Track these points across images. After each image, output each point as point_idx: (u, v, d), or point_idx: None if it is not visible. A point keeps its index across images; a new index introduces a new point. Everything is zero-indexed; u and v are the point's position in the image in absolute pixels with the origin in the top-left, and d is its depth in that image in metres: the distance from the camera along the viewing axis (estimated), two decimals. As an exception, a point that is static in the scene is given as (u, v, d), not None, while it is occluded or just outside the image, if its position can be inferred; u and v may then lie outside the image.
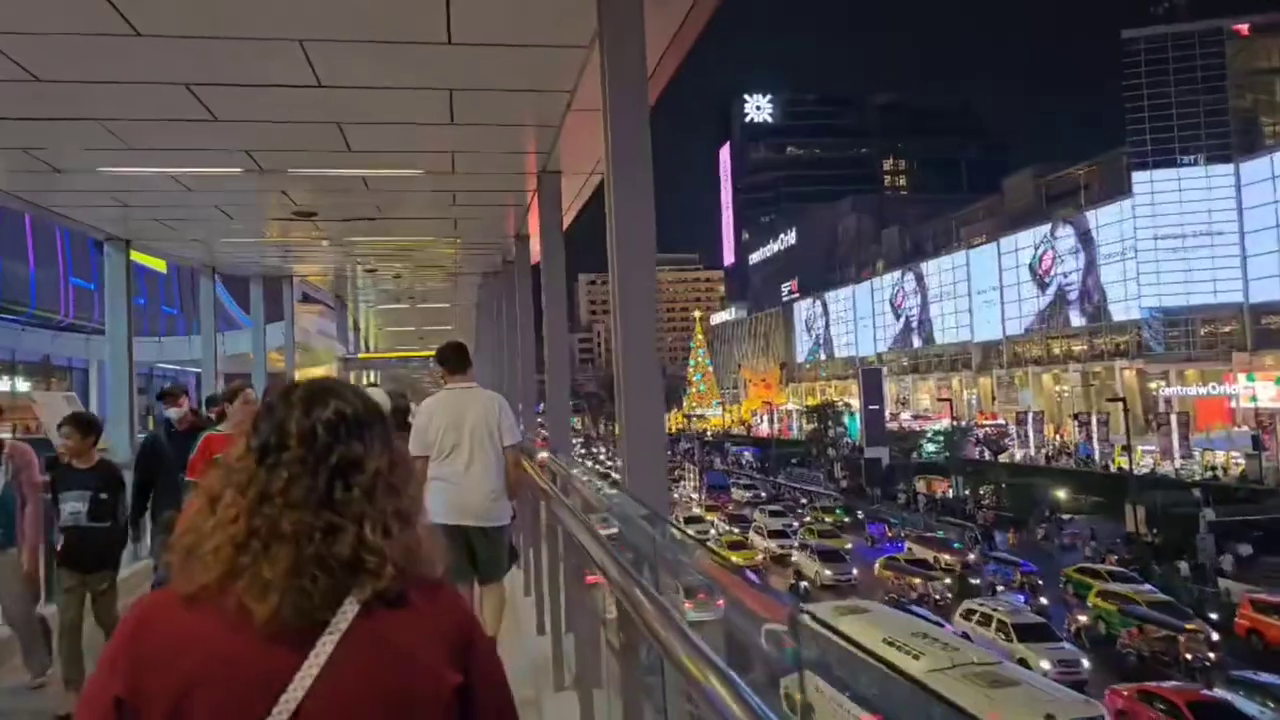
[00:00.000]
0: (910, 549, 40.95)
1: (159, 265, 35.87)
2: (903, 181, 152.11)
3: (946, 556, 38.52)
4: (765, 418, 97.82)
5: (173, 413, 5.92)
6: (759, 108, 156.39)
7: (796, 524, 47.97)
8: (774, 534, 44.16)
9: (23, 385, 30.47)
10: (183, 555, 1.20)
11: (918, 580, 33.75)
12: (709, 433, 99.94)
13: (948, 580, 34.19)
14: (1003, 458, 58.56)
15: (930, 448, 62.08)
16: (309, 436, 1.22)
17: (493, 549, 4.88)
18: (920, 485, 57.15)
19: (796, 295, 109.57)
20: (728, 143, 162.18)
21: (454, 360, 5.05)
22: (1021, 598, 31.06)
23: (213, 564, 1.17)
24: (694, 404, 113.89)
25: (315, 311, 28.69)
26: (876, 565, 37.44)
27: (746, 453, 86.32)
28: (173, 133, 6.25)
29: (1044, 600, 31.29)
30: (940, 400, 72.17)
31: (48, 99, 5.55)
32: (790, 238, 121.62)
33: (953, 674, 16.81)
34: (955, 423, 65.81)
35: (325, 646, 1.15)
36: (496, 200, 8.88)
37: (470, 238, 11.17)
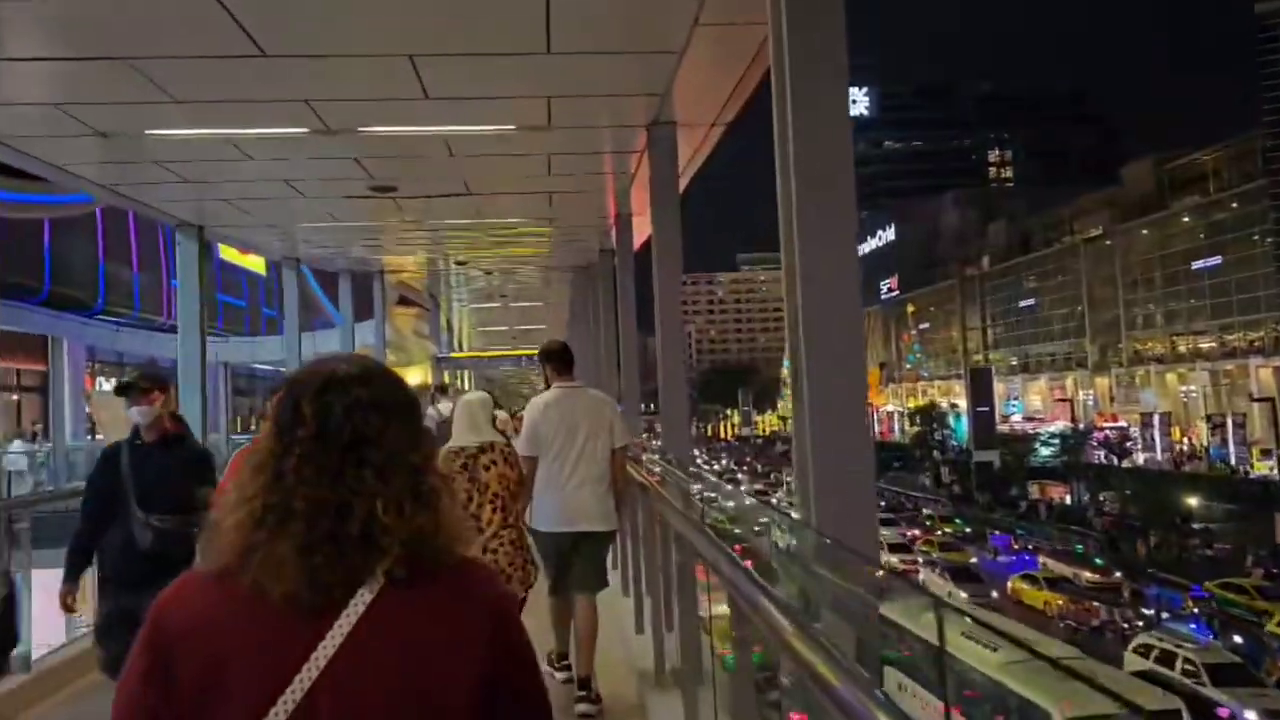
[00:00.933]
0: (1045, 564, 37.21)
1: (258, 267, 36.55)
2: (1008, 173, 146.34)
3: (1088, 574, 34.93)
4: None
5: (138, 414, 3.92)
6: (854, 101, 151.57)
7: (912, 532, 44.86)
8: (894, 548, 38.48)
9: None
10: (211, 533, 1.22)
11: (1098, 607, 29.52)
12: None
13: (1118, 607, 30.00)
14: (1125, 462, 54.47)
15: (1045, 451, 58.38)
16: (323, 415, 1.21)
17: (598, 556, 4.74)
18: (1034, 490, 53.70)
19: (896, 293, 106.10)
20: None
21: (559, 359, 4.90)
22: (1198, 628, 26.95)
23: (232, 541, 1.18)
24: (790, 405, 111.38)
25: (412, 314, 28.68)
26: (1010, 583, 34.02)
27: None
28: (219, 77, 5.25)
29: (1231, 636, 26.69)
30: (1059, 401, 67.59)
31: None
32: (889, 234, 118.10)
33: (1028, 666, 16.55)
34: (1073, 425, 61.72)
35: (341, 627, 1.15)
36: (596, 166, 7.66)
37: (566, 219, 10.03)
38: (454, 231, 10.68)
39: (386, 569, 1.17)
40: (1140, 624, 27.66)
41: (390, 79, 5.34)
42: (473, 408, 4.10)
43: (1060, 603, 30.59)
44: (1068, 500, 51.25)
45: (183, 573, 1.25)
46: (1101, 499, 49.71)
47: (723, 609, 2.60)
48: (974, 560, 37.76)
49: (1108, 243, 70.50)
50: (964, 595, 30.93)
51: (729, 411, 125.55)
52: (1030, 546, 41.81)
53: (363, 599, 1.16)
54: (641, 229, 9.61)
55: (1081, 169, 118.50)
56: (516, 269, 14.25)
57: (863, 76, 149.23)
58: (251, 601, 1.15)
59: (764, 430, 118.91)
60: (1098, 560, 37.01)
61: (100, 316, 25.96)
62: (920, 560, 37.38)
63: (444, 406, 13.38)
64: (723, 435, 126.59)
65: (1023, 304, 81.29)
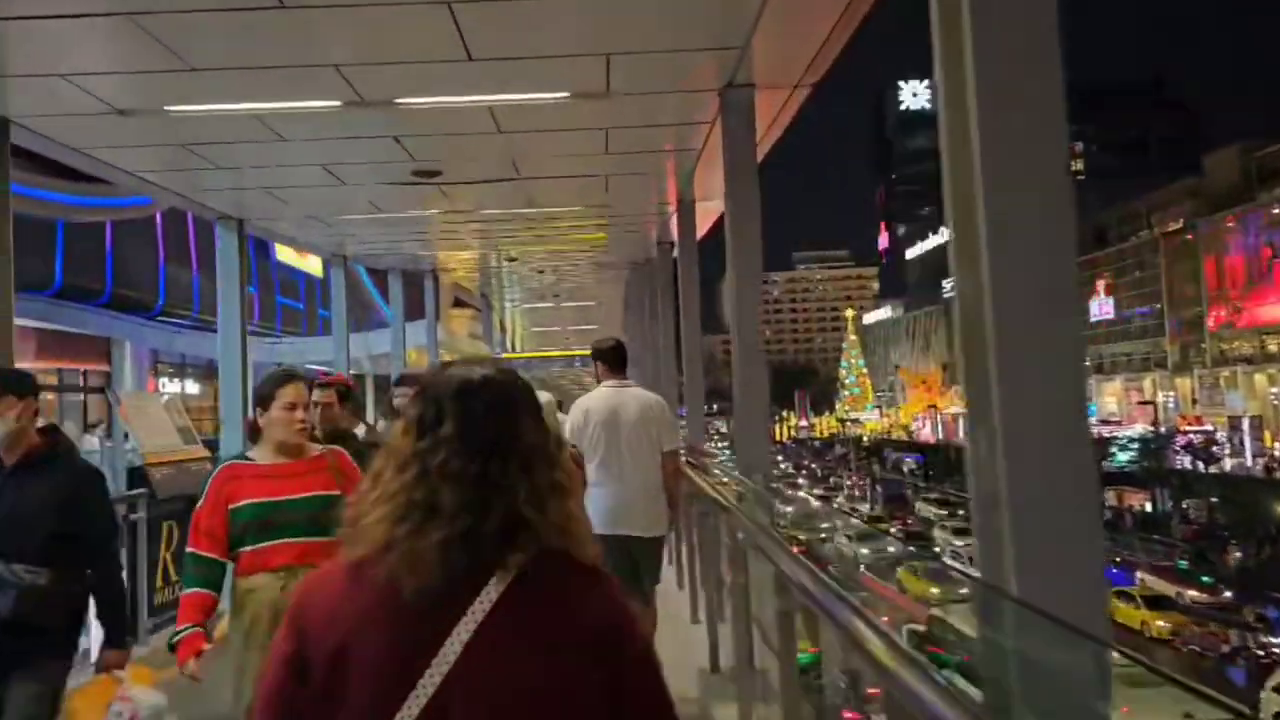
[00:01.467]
0: (1143, 580, 34.39)
1: (315, 270, 36.94)
2: (1080, 166, 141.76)
3: (1193, 592, 32.00)
4: (928, 422, 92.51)
5: None
6: (915, 94, 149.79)
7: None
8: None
9: (193, 388, 31.10)
10: (350, 526, 1.26)
11: (1228, 631, 26.58)
12: (865, 437, 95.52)
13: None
14: (1212, 468, 51.66)
15: (1123, 455, 55.82)
16: (465, 413, 1.26)
17: (652, 558, 4.59)
18: (1111, 497, 51.30)
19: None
20: (882, 133, 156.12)
21: (611, 356, 4.69)
22: None
23: (373, 536, 1.21)
24: (848, 407, 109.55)
25: (467, 315, 28.67)
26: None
27: (908, 459, 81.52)
28: (234, 36, 4.60)
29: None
30: (1140, 404, 64.26)
31: None
32: (951, 230, 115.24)
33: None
34: (1154, 428, 58.89)
35: (469, 624, 1.17)
36: (658, 141, 6.86)
37: (623, 206, 9.28)
38: (504, 223, 10.04)
39: (518, 564, 1.20)
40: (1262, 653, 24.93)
41: (428, 35, 4.64)
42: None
43: (1172, 625, 27.90)
44: (1149, 508, 48.70)
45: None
46: (1185, 506, 47.18)
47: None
48: None
49: (1189, 236, 67.44)
50: None
51: (785, 413, 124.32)
52: (1119, 559, 38.60)
53: (489, 595, 1.19)
54: (706, 216, 8.87)
55: (1158, 160, 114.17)
56: (570, 266, 13.71)
57: (923, 69, 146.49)
58: (383, 594, 1.18)
59: (822, 432, 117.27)
60: (1204, 578, 33.60)
61: (160, 318, 26.23)
62: None
63: None
64: (779, 437, 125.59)
65: (1096, 301, 78.35)
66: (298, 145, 6.50)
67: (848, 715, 2.42)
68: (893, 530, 44.32)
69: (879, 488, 61.09)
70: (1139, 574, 35.44)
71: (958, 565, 30.69)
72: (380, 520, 1.20)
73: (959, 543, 41.11)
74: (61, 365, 23.66)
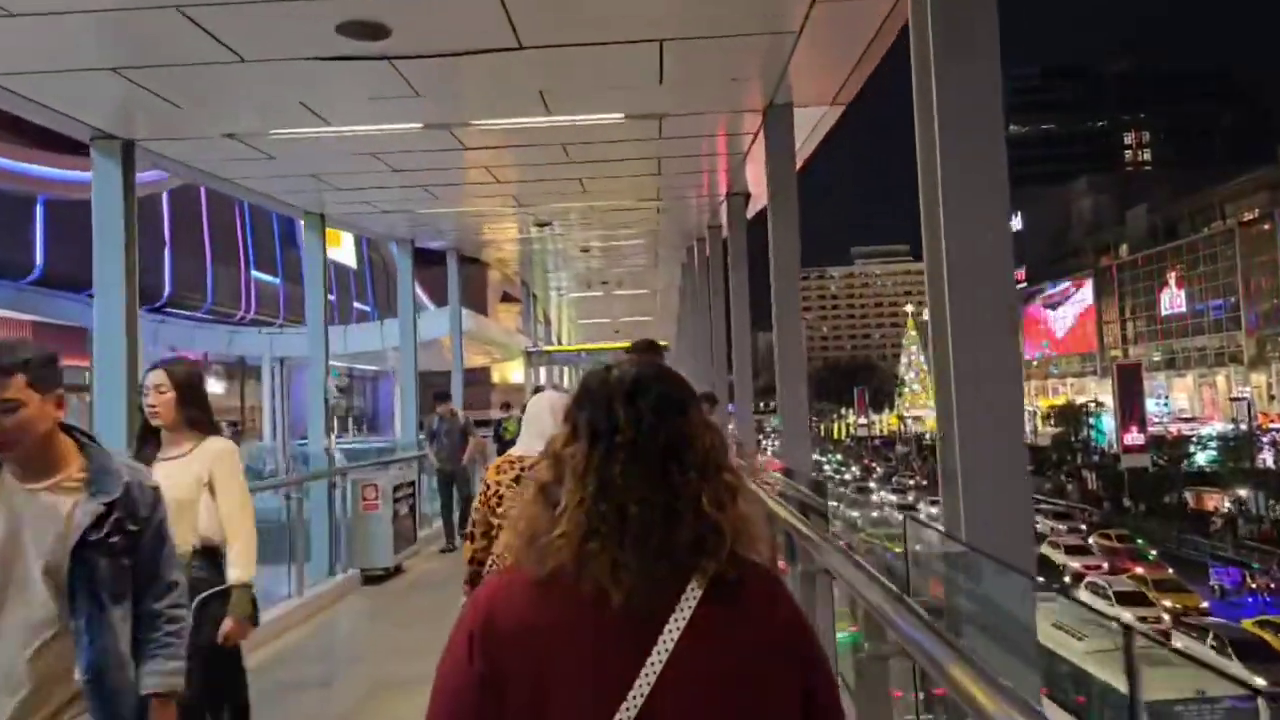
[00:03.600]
0: None
1: (347, 259, 35.48)
2: (1146, 156, 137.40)
3: None
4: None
5: None
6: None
7: (1101, 562, 37.52)
8: (1124, 598, 28.82)
9: (216, 386, 29.79)
10: (525, 542, 1.23)
11: None
12: (928, 435, 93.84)
13: None
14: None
15: (1203, 455, 53.77)
16: (637, 419, 1.23)
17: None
18: (1193, 499, 49.25)
19: (1024, 285, 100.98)
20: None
21: (645, 356, 4.40)
22: None
23: (562, 550, 1.18)
24: (908, 404, 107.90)
25: (515, 310, 28.04)
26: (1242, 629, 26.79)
27: (973, 458, 79.61)
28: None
29: None
30: (1233, 399, 61.27)
31: None
32: (1015, 223, 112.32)
33: (1114, 655, 15.31)
34: (1234, 425, 56.29)
35: (671, 634, 1.16)
36: (708, 148, 7.44)
37: (673, 191, 9.48)
38: (546, 198, 9.69)
39: (713, 571, 1.19)
40: None
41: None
42: (540, 411, 3.41)
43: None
44: (1232, 511, 46.27)
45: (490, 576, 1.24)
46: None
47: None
48: (1204, 605, 31.07)
49: (1265, 226, 64.94)
50: (1261, 681, 22.50)
51: (844, 410, 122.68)
52: (1256, 583, 33.80)
53: (688, 602, 1.18)
54: (756, 206, 9.23)
55: (1228, 150, 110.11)
56: (618, 246, 13.38)
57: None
58: (584, 608, 1.17)
59: (882, 430, 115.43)
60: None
61: (168, 310, 23.94)
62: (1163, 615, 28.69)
63: None
64: (837, 435, 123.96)
65: (1166, 295, 75.90)
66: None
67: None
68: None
69: None
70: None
71: (1092, 603, 26.62)
72: (568, 535, 1.18)
73: (1077, 564, 37.06)
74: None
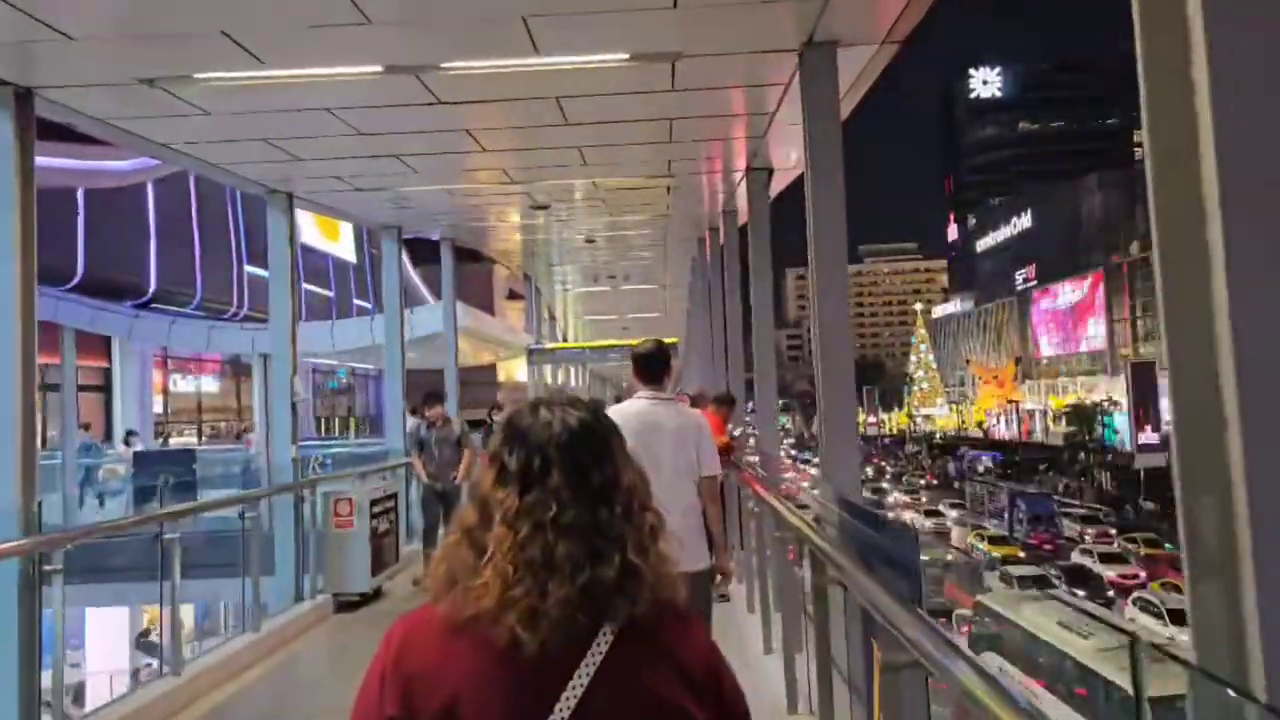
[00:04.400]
0: None
1: (347, 254, 33.89)
2: None
3: None
4: (1003, 418, 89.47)
5: None
6: (986, 82, 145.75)
7: (1138, 570, 35.38)
8: (1178, 617, 26.54)
9: (210, 386, 28.64)
10: (445, 585, 1.22)
11: None
12: (938, 434, 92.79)
13: None
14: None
15: (1219, 455, 52.61)
16: (569, 463, 1.23)
17: (695, 598, 3.76)
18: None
19: (1034, 283, 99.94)
20: (950, 123, 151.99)
21: (647, 363, 4.11)
22: None
23: (483, 598, 1.18)
24: (917, 403, 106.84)
25: (519, 307, 26.90)
26: None
27: (985, 458, 78.36)
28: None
29: None
30: None
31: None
32: (1025, 221, 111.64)
33: (1119, 652, 18.02)
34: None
35: (582, 678, 1.16)
36: (731, 74, 6.08)
37: (689, 163, 8.25)
38: (543, 172, 8.43)
39: (627, 613, 1.18)
40: None
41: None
42: None
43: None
44: None
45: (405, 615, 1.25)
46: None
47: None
48: None
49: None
50: (1184, 638, 24.77)
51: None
52: None
53: (600, 648, 1.17)
54: (779, 184, 8.20)
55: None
56: (625, 236, 12.27)
57: (993, 56, 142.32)
58: (497, 653, 1.16)
59: (891, 429, 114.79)
60: None
61: (154, 306, 22.09)
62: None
63: None
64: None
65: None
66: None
67: None
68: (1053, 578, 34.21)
69: (1015, 505, 50.09)
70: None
71: (1144, 623, 26.33)
72: (490, 583, 1.17)
73: (1113, 573, 34.39)
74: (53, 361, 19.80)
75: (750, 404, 9.50)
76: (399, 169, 7.62)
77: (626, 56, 5.14)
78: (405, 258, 38.13)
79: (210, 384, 28.53)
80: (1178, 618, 26.64)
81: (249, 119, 5.92)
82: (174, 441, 24.15)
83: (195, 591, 8.10)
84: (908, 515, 51.73)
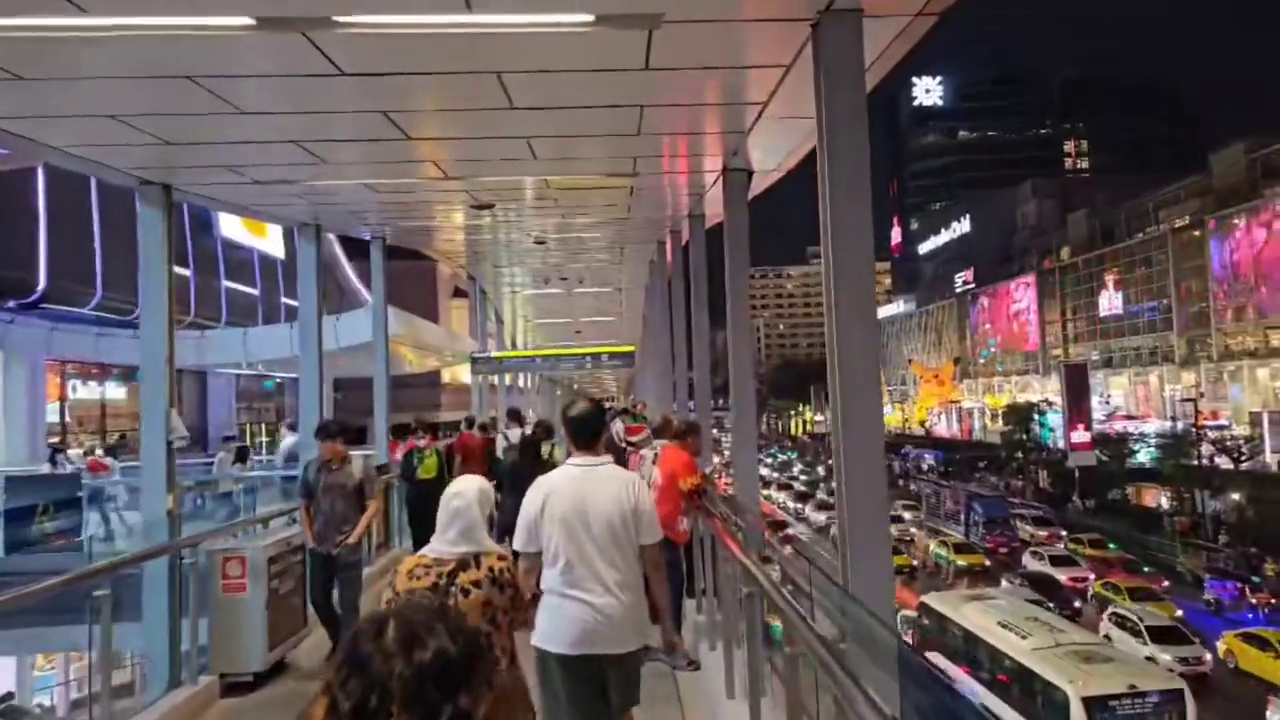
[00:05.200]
0: None
1: (275, 249, 31.44)
2: (1085, 164, 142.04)
3: None
4: (944, 417, 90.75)
5: None
6: (928, 91, 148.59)
7: (1087, 574, 35.74)
8: (1159, 635, 26.39)
9: (116, 392, 26.17)
10: None
11: None
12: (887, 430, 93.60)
13: None
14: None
15: (1145, 453, 53.90)
16: (414, 694, 1.11)
17: (628, 679, 3.71)
18: (1139, 497, 49.02)
19: (972, 286, 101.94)
20: (893, 129, 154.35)
21: (580, 427, 3.70)
22: None
23: None
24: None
25: (465, 307, 25.00)
26: (1222, 640, 26.44)
27: (928, 456, 79.62)
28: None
29: None
30: (1187, 400, 60.99)
31: None
32: (964, 226, 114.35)
33: (1055, 651, 19.19)
34: (1175, 423, 56.95)
35: None
36: (723, 48, 4.91)
37: (655, 161, 7.09)
38: (483, 168, 7.21)
39: None
40: None
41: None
42: (466, 499, 2.99)
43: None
44: (1172, 508, 46.15)
45: None
46: (1218, 508, 44.82)
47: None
48: (1179, 614, 29.26)
49: (1196, 232, 67.19)
50: (1167, 658, 24.48)
51: (801, 408, 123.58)
52: (1257, 597, 31.28)
53: None
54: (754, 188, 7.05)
55: (1163, 158, 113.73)
56: (579, 239, 11.19)
57: (937, 66, 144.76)
58: None
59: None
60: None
61: (45, 307, 19.79)
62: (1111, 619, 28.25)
63: (513, 434, 10.86)
64: (795, 432, 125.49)
65: (1105, 296, 77.48)
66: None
67: None
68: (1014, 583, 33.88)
69: (971, 508, 50.01)
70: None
71: (1124, 643, 25.23)
72: None
73: (1064, 576, 34.80)
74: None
75: (731, 416, 8.41)
76: (303, 158, 6.21)
77: (591, 18, 3.88)
78: (341, 254, 35.78)
79: (116, 390, 25.97)
80: (1160, 636, 26.06)
81: (85, 91, 4.49)
82: (73, 454, 21.68)
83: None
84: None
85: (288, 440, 8.50)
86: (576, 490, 3.60)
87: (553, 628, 3.52)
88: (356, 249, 27.49)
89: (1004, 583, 32.75)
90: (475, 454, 10.54)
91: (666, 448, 6.30)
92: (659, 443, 6.73)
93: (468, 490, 3.01)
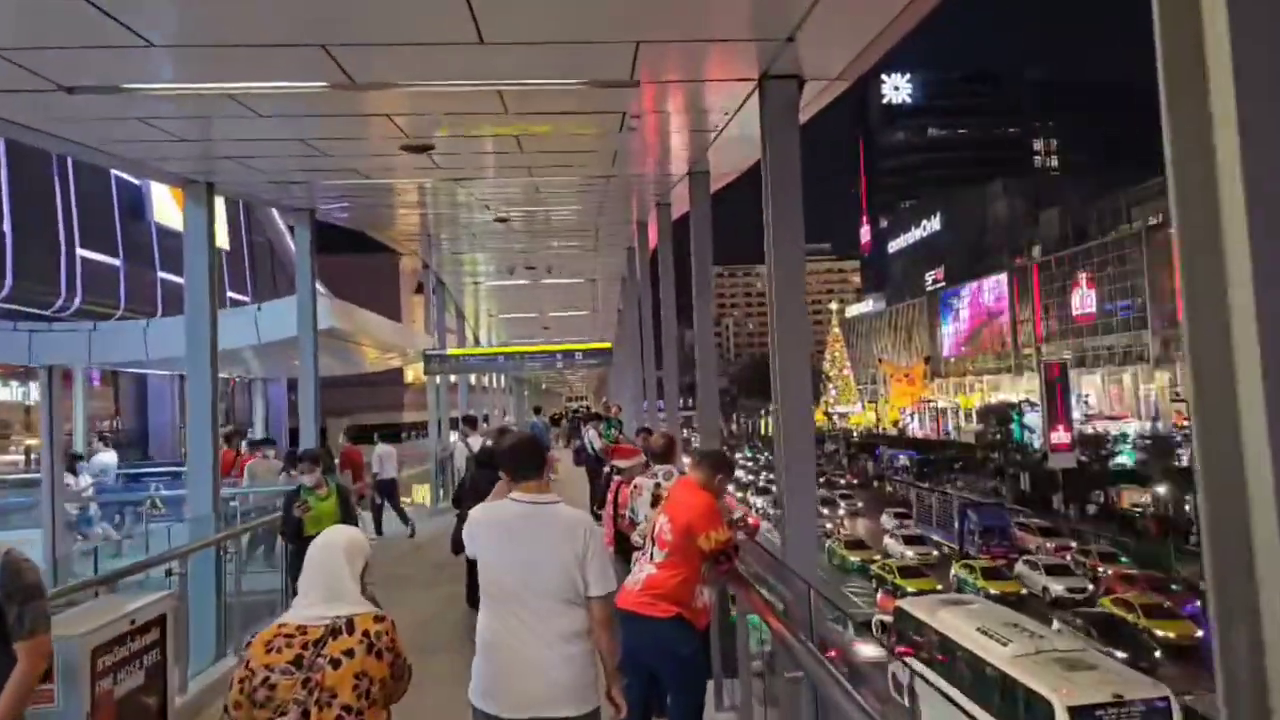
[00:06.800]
0: None
1: (220, 238, 29.76)
2: (1055, 162, 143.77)
3: None
4: (917, 416, 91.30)
5: None
6: (897, 88, 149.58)
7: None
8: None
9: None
10: None
11: None
12: (855, 432, 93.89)
13: None
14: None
15: (1126, 455, 53.99)
16: None
17: None
18: (1123, 500, 48.62)
19: (942, 284, 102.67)
20: (862, 127, 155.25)
21: (519, 459, 3.36)
22: None
23: None
24: (833, 401, 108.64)
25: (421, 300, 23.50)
26: None
27: (902, 456, 79.65)
28: None
29: None
30: (1174, 400, 60.20)
31: None
32: (934, 224, 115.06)
33: (1036, 659, 18.97)
34: (1153, 423, 57.24)
35: None
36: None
37: (623, 164, 6.76)
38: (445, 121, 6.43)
39: None
40: None
41: None
42: (332, 552, 2.53)
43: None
44: (1156, 510, 45.65)
45: None
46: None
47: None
48: (1199, 634, 27.66)
49: (1171, 230, 67.37)
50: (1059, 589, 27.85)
51: (772, 406, 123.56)
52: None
53: None
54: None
55: (1134, 156, 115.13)
56: (546, 214, 10.30)
57: (909, 63, 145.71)
58: None
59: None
60: None
61: None
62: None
63: (474, 442, 10.19)
64: (765, 432, 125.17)
65: (1078, 295, 77.82)
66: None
67: None
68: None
69: (965, 518, 45.98)
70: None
71: None
72: None
73: (1059, 587, 33.23)
74: None
75: (699, 420, 7.90)
76: (219, 105, 5.30)
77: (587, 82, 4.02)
78: (290, 242, 33.99)
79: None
80: (1052, 570, 31.24)
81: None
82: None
83: None
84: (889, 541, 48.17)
85: (102, 458, 7.20)
86: (515, 531, 3.27)
87: (484, 684, 3.18)
88: (326, 243, 26.07)
89: (1055, 623, 27.41)
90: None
91: (680, 485, 4.58)
92: (660, 470, 5.38)
93: (333, 540, 2.60)
